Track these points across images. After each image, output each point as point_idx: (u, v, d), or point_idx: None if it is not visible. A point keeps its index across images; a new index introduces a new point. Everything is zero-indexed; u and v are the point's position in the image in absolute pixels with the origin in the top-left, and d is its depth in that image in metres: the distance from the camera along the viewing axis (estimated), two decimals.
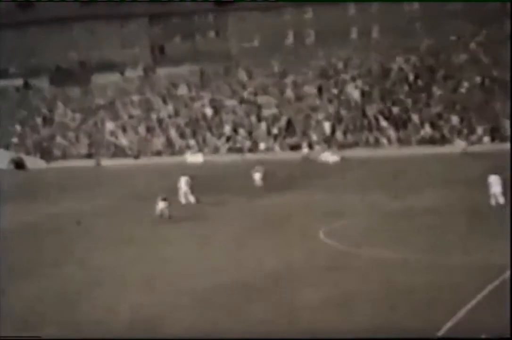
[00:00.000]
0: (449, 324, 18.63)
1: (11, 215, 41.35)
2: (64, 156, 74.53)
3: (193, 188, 41.52)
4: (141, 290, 24.11)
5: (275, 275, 24.74)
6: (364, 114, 64.60)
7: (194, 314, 21.16)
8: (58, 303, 23.43)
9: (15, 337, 19.00)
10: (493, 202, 34.36)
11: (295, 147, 64.44)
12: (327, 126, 64.64)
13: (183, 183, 41.82)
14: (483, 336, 16.54)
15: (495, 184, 34.57)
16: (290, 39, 78.02)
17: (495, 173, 34.91)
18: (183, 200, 41.41)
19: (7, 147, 77.36)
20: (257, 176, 46.53)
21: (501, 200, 34.26)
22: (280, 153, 64.01)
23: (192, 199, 41.43)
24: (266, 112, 69.55)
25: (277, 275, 24.69)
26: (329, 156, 57.66)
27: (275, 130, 67.02)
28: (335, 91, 68.95)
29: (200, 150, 67.68)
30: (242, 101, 72.58)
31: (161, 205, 37.00)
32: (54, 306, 23.05)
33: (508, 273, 22.49)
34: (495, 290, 21.29)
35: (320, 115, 66.42)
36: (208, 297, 22.64)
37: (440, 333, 18.01)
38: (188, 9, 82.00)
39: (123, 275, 26.42)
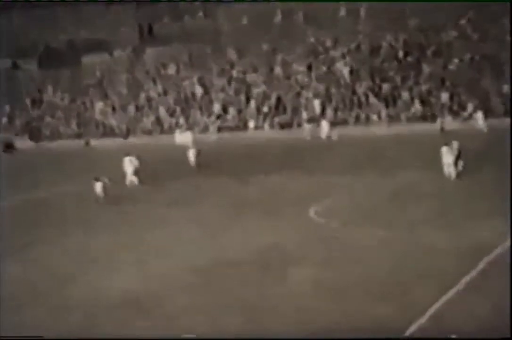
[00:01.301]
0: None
1: None
2: (53, 136, 74.28)
3: (137, 168, 40.52)
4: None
5: (266, 254, 24.82)
6: (353, 92, 64.36)
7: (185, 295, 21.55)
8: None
9: (15, 337, 19.15)
10: (447, 173, 34.49)
11: (285, 125, 64.41)
12: (316, 104, 64.43)
13: (127, 163, 40.87)
14: (453, 336, 16.25)
15: (446, 155, 34.64)
16: (278, 17, 77.42)
17: (446, 145, 34.98)
18: (127, 181, 40.47)
19: None
20: (191, 153, 45.20)
21: (452, 172, 34.30)
22: (269, 132, 64.01)
23: (134, 179, 40.42)
24: (255, 91, 69.25)
25: (269, 254, 24.78)
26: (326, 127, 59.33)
27: (265, 109, 66.76)
28: (324, 68, 68.63)
29: (190, 129, 67.38)
30: (231, 79, 72.24)
31: (98, 187, 35.96)
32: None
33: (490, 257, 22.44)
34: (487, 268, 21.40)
35: (310, 93, 66.17)
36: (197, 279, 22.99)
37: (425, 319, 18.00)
38: None
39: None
